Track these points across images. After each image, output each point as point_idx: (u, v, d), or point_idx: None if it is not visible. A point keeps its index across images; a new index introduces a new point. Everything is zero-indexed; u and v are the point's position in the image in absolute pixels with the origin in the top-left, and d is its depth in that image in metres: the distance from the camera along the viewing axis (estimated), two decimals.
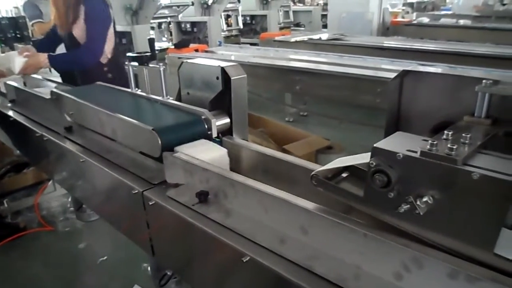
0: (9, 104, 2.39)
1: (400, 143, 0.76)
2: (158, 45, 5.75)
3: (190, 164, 1.20)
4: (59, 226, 3.06)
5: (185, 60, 1.60)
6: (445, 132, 0.74)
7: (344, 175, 0.94)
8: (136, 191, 1.27)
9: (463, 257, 0.72)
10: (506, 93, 0.79)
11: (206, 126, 1.39)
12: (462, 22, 6.74)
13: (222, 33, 6.67)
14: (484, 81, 0.81)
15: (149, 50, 1.79)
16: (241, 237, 0.99)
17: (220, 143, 1.43)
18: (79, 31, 2.68)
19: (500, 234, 0.66)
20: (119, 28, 5.10)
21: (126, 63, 1.77)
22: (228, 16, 7.79)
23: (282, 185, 1.06)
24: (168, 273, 1.77)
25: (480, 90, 0.82)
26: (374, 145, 0.76)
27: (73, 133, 1.80)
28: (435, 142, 0.70)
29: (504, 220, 0.66)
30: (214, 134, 1.40)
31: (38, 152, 2.00)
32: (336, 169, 0.91)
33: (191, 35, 6.42)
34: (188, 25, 6.41)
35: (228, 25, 7.76)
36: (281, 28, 7.58)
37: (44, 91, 2.13)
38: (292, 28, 7.89)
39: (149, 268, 2.17)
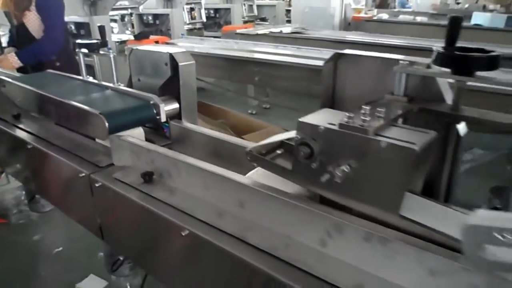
0: None
1: (323, 118, 0.82)
2: (119, 37, 5.65)
3: (136, 146, 1.23)
4: (12, 219, 2.99)
5: (135, 47, 1.61)
6: (363, 107, 0.80)
7: (279, 152, 1.00)
8: (83, 174, 1.29)
9: (379, 222, 0.79)
10: (419, 73, 0.86)
11: (154, 111, 1.41)
12: (419, 19, 6.99)
13: (185, 26, 6.62)
14: (401, 62, 0.88)
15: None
16: (183, 213, 1.03)
17: (168, 127, 1.46)
18: (31, 21, 2.65)
19: (405, 198, 0.73)
20: (77, 19, 5.01)
21: (77, 50, 1.76)
22: (192, 9, 7.73)
23: (229, 166, 1.09)
24: (121, 258, 1.78)
25: (398, 71, 0.89)
26: (299, 119, 0.82)
27: (21, 120, 1.77)
28: (352, 116, 0.76)
29: (408, 185, 0.73)
30: (163, 119, 1.42)
31: None
32: (269, 145, 0.96)
33: (153, 27, 6.34)
34: (150, 17, 6.32)
35: (192, 18, 7.70)
36: (245, 22, 7.60)
37: None
38: (256, 22, 7.92)
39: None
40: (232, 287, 0.94)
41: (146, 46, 1.59)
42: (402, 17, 7.24)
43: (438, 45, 0.86)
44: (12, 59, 2.55)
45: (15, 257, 2.64)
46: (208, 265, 0.98)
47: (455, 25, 0.82)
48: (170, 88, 1.51)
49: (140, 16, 6.36)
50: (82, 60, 1.76)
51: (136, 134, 1.36)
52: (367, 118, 0.75)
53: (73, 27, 5.23)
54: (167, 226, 1.04)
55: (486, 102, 1.09)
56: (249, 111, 5.39)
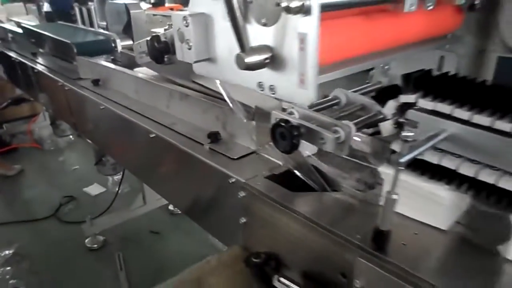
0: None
1: None
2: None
3: (90, 62, 1.87)
4: (45, 146, 3.82)
5: (109, 2, 2.24)
6: None
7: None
8: (61, 83, 1.94)
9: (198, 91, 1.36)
10: None
11: (113, 44, 2.03)
12: None
13: None
14: None
15: None
16: (107, 99, 1.65)
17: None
18: None
19: None
20: None
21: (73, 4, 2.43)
22: None
23: None
24: (103, 159, 2.46)
25: None
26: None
27: (37, 56, 2.47)
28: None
29: None
30: (119, 50, 2.05)
31: (21, 76, 2.69)
32: None
33: None
34: None
35: None
36: None
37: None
38: None
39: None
40: (125, 136, 1.56)
41: (113, 1, 2.21)
42: None
43: None
44: None
45: (44, 169, 3.46)
46: (115, 126, 1.61)
47: None
48: (129, 30, 2.13)
49: None
50: (77, 11, 2.42)
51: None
52: None
53: None
54: (97, 106, 1.66)
55: None
56: None
